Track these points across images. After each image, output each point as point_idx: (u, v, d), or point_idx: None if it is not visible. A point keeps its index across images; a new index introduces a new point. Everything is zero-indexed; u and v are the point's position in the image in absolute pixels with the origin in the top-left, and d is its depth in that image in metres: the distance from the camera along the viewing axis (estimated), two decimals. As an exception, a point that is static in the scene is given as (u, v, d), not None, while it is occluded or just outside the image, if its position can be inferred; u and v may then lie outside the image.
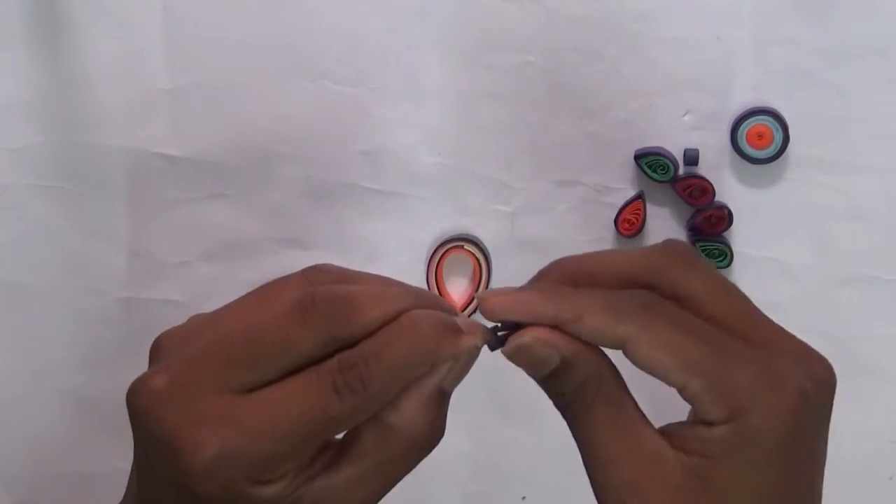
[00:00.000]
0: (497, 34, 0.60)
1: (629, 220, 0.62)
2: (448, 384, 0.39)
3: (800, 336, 0.63)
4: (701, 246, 0.62)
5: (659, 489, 0.38)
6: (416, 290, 0.39)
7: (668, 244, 0.41)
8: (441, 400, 0.39)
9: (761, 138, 0.60)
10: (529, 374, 0.40)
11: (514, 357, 0.39)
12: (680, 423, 0.39)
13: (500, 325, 0.39)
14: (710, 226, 0.61)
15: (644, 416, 0.39)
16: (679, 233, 0.62)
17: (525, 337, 0.38)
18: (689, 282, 0.39)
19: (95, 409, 0.68)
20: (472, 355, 0.39)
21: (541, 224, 0.63)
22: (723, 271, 0.62)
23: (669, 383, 0.38)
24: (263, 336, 0.38)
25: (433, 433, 0.39)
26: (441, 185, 0.63)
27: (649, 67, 0.60)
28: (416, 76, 0.61)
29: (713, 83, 0.60)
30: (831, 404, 0.40)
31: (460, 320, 0.38)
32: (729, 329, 0.39)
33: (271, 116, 0.62)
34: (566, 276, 0.40)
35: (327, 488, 0.38)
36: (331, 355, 0.38)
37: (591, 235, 0.63)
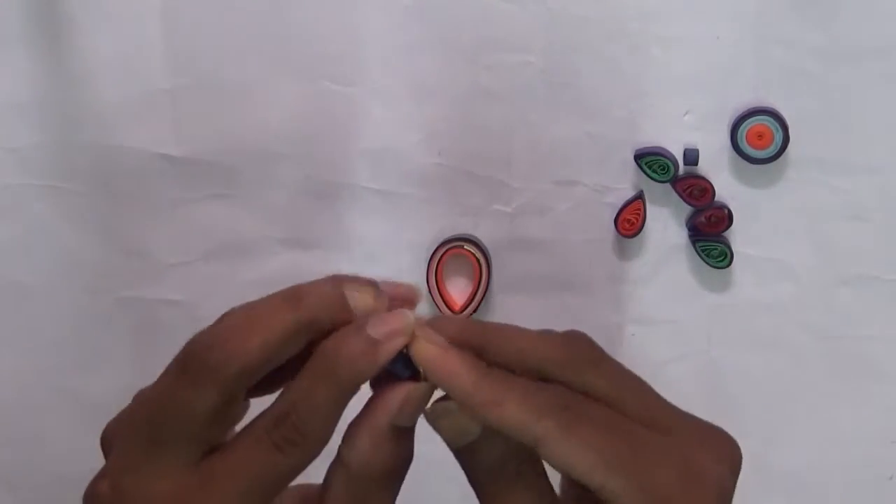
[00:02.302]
0: (497, 34, 0.60)
1: (629, 220, 0.62)
2: (403, 421, 0.38)
3: (799, 336, 0.63)
4: (701, 246, 0.62)
5: None
6: (291, 297, 0.38)
7: (571, 339, 0.39)
8: (400, 434, 0.38)
9: (761, 138, 0.60)
10: (447, 440, 0.38)
11: (436, 421, 0.38)
12: None
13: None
14: (710, 226, 0.61)
15: (556, 496, 0.39)
16: (679, 233, 0.62)
17: (451, 403, 0.37)
18: (593, 379, 0.38)
19: (95, 409, 0.67)
20: (424, 397, 0.38)
21: (541, 224, 0.63)
22: (723, 271, 0.62)
23: (587, 482, 0.36)
24: (164, 409, 0.38)
25: (396, 463, 0.38)
26: (441, 185, 0.63)
27: (649, 67, 0.60)
28: (416, 76, 0.61)
29: (713, 83, 0.60)
30: (737, 479, 0.39)
31: (374, 330, 0.37)
32: (637, 422, 0.38)
33: (271, 116, 0.62)
34: (468, 341, 0.38)
35: None
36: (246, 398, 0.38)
37: (591, 235, 0.63)
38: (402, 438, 0.38)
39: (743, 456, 0.40)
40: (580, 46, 0.60)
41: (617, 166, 0.62)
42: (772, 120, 0.59)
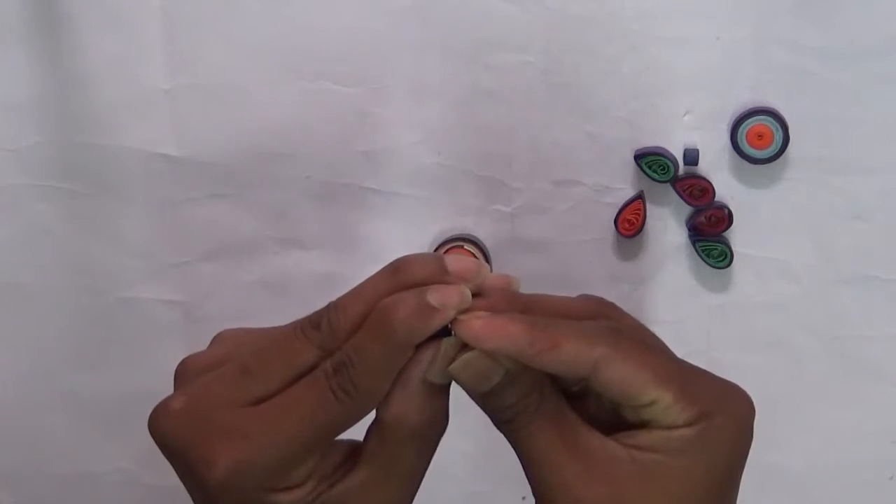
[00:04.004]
0: (497, 34, 0.60)
1: (629, 220, 0.62)
2: (433, 376, 0.40)
3: (800, 336, 0.64)
4: (701, 246, 0.62)
5: (611, 481, 0.39)
6: (392, 269, 0.41)
7: (591, 296, 0.43)
8: (431, 391, 0.40)
9: (761, 138, 0.60)
10: (471, 389, 0.40)
11: (460, 372, 0.40)
12: (626, 432, 0.40)
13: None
14: (710, 226, 0.61)
15: (584, 422, 0.40)
16: (679, 233, 0.62)
17: (472, 352, 0.39)
18: (622, 320, 0.43)
19: (95, 409, 0.68)
20: (450, 347, 0.40)
21: (541, 224, 0.63)
22: (723, 271, 0.62)
23: (638, 400, 0.39)
24: (272, 350, 0.40)
25: (427, 424, 0.40)
26: (441, 185, 0.63)
27: (649, 67, 0.60)
28: (416, 76, 0.61)
29: (713, 83, 0.60)
30: None
31: (431, 297, 0.39)
32: None
33: (271, 116, 0.62)
34: (508, 308, 0.40)
35: (345, 493, 0.40)
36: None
37: (591, 235, 0.63)
38: (435, 397, 0.40)
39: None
40: (580, 46, 0.60)
41: (617, 166, 0.62)
42: (772, 120, 0.59)
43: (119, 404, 0.67)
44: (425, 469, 0.41)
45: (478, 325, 0.39)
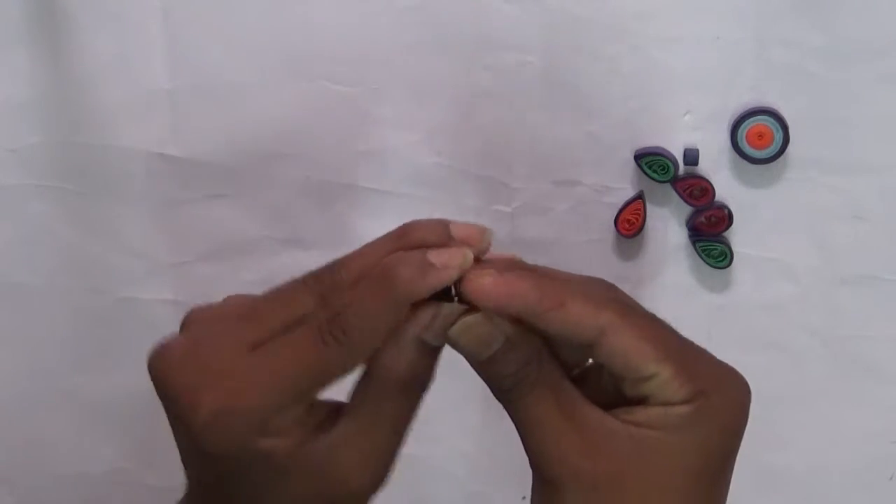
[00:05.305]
0: (497, 34, 0.60)
1: (629, 220, 0.62)
2: (430, 337, 0.40)
3: (800, 336, 0.63)
4: (701, 246, 0.62)
5: (608, 455, 0.39)
6: (398, 232, 0.41)
7: (594, 278, 0.43)
8: (423, 349, 0.41)
9: (761, 138, 0.60)
10: (471, 355, 0.41)
11: (460, 336, 0.40)
12: (624, 408, 0.40)
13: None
14: (710, 226, 0.61)
15: (582, 395, 0.41)
16: (679, 233, 0.62)
17: (473, 315, 0.39)
18: (622, 295, 0.42)
19: (95, 409, 0.68)
20: (451, 311, 0.40)
21: (541, 224, 0.63)
22: (723, 271, 0.62)
23: (641, 372, 0.39)
24: (272, 298, 0.41)
25: (416, 376, 0.41)
26: (441, 185, 0.63)
27: (649, 67, 0.60)
28: (416, 76, 0.61)
29: (713, 83, 0.60)
30: None
31: (433, 256, 0.39)
32: None
33: (271, 116, 0.62)
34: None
35: (331, 443, 0.40)
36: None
37: (590, 235, 0.63)
38: (426, 356, 0.41)
39: (742, 454, 0.41)
40: (580, 46, 0.60)
41: (617, 166, 0.62)
42: (772, 120, 0.59)
43: (119, 404, 0.67)
44: (408, 424, 0.42)
45: (487, 282, 0.39)
